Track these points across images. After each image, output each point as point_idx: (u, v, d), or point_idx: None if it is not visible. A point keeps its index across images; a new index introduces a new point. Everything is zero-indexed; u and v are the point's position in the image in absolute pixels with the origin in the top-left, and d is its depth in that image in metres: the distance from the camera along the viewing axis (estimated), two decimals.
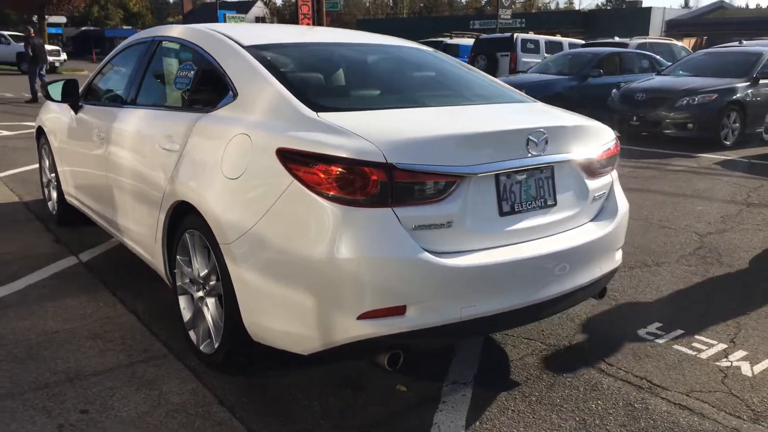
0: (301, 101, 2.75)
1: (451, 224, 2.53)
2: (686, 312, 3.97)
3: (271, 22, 56.41)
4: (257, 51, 3.15)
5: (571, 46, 18.16)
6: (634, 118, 11.02)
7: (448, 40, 21.26)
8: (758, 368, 3.27)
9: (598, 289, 3.15)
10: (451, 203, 2.52)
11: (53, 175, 5.38)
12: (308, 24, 30.70)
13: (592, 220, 3.09)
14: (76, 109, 4.60)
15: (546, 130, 2.75)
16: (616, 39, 17.77)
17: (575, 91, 12.83)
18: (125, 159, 3.74)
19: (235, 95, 2.99)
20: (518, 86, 12.56)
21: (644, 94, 11.00)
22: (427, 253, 2.44)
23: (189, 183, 3.00)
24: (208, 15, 55.19)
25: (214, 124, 3.02)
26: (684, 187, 7.73)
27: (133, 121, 3.76)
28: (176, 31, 3.75)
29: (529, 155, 2.71)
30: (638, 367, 3.26)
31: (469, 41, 19.63)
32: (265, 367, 3.14)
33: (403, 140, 2.48)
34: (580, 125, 2.99)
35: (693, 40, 38.96)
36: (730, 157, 9.89)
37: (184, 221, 3.12)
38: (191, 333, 3.22)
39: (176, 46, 3.68)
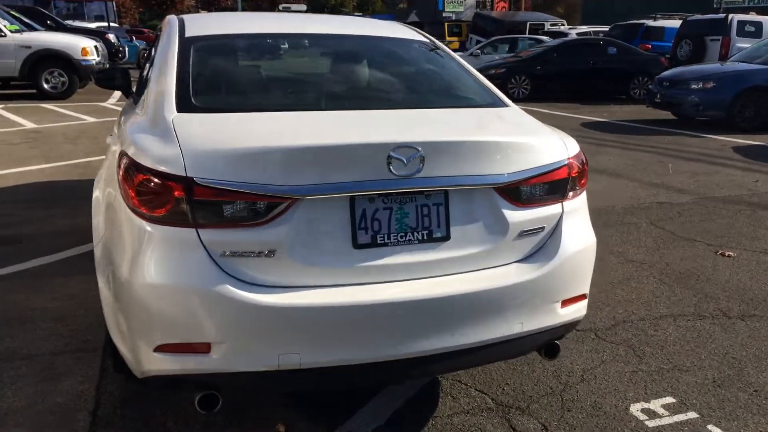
0: (180, 98, 2.50)
1: (275, 253, 2.11)
2: (725, 389, 3.01)
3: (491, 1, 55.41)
4: (191, 43, 2.95)
5: None
6: None
7: (650, 23, 18.99)
8: None
9: (525, 348, 2.48)
10: (276, 229, 2.11)
11: None
12: (503, 7, 29.64)
13: (519, 261, 2.42)
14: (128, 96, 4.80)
15: (422, 146, 2.17)
16: None
17: None
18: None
19: (148, 89, 2.83)
20: (706, 77, 10.86)
21: None
22: (229, 286, 2.07)
23: (98, 182, 2.92)
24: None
25: (122, 119, 2.90)
26: None
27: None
28: (164, 21, 3.69)
29: (393, 176, 2.16)
30: None
31: (677, 23, 17.34)
32: None
33: (212, 151, 2.11)
34: (490, 141, 2.33)
35: None
36: None
37: None
38: None
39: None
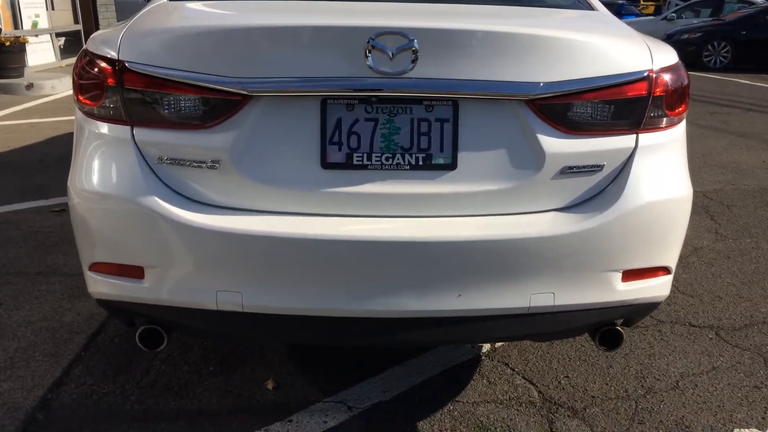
0: None
1: (219, 164, 1.68)
2: None
3: None
4: None
5: None
6: None
7: None
8: None
9: (559, 328, 1.81)
10: (222, 134, 1.67)
11: None
12: None
13: (559, 209, 1.75)
14: None
15: (414, 34, 1.58)
16: None
17: None
18: None
19: None
20: None
21: None
22: (159, 199, 1.68)
23: None
24: None
25: None
26: None
27: None
28: None
29: (373, 74, 1.61)
30: None
31: None
32: None
33: (151, 31, 1.71)
34: (519, 33, 1.65)
35: None
36: None
37: None
38: None
39: None
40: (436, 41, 1.61)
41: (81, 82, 1.76)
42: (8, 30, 9.46)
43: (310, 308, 1.69)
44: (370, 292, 1.67)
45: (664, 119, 1.78)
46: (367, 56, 1.59)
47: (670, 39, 14.07)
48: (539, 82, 1.64)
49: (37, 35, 10.45)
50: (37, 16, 10.60)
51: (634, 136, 1.75)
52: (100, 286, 1.81)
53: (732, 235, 3.82)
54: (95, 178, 1.74)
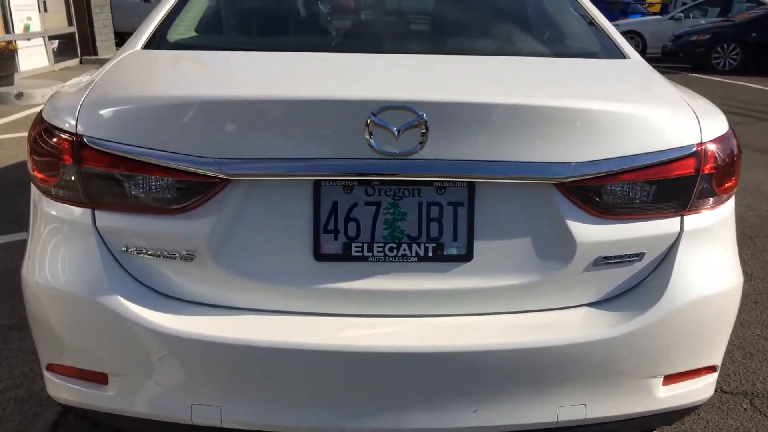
0: (156, 32, 1.93)
1: (195, 256, 1.43)
2: None
3: None
4: None
5: None
6: None
7: None
8: None
9: None
10: (198, 221, 1.42)
11: None
12: None
13: (592, 304, 1.50)
14: None
15: (423, 108, 1.33)
16: None
17: None
18: None
19: None
20: None
21: None
22: (121, 298, 1.43)
23: None
24: None
25: None
26: None
27: None
28: None
29: (377, 156, 1.36)
30: None
31: None
32: None
33: (114, 100, 1.46)
34: (545, 106, 1.40)
35: None
36: None
37: None
38: None
39: None
40: (449, 116, 1.36)
41: (35, 153, 1.51)
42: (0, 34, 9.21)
43: (301, 426, 1.45)
44: (372, 407, 1.42)
45: (713, 198, 1.53)
46: (368, 134, 1.34)
47: (678, 40, 13.80)
48: (571, 163, 1.39)
49: (29, 39, 10.18)
50: (29, 19, 10.32)
51: (679, 219, 1.50)
52: (59, 390, 1.57)
53: (758, 274, 3.57)
54: (51, 270, 1.50)
